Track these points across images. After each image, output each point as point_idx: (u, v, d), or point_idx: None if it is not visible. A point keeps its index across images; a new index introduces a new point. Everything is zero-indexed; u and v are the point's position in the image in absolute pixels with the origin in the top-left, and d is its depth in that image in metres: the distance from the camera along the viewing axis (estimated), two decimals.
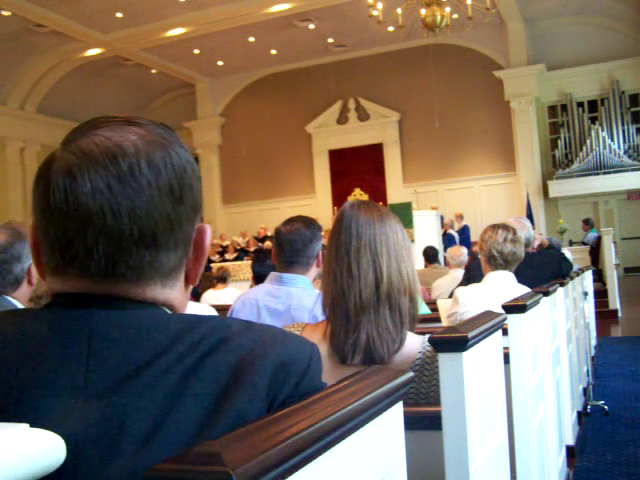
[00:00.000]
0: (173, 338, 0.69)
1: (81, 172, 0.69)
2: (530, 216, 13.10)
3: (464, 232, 13.26)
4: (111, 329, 0.69)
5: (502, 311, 1.91)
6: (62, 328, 0.69)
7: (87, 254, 0.70)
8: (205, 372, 0.68)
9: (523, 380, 2.04)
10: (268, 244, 13.32)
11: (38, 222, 0.73)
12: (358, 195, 16.26)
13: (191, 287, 0.83)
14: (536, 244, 4.12)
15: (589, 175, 14.59)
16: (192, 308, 2.93)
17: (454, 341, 1.27)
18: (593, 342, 6.71)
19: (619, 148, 14.60)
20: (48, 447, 0.57)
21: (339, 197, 16.26)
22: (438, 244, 10.97)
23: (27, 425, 0.56)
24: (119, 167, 0.70)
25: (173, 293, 0.77)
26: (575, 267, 4.83)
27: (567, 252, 5.87)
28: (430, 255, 7.10)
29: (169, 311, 0.76)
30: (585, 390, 4.96)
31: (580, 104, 15.19)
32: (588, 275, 7.12)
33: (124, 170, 0.70)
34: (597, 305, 8.15)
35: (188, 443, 0.63)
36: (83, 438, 0.61)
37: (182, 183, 0.74)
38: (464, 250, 6.27)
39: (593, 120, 14.94)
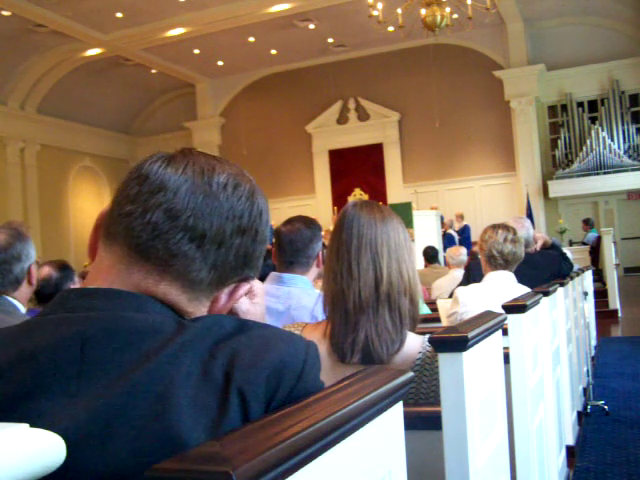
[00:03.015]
0: (164, 340, 0.70)
1: (178, 162, 0.80)
2: (530, 216, 13.08)
3: (465, 232, 13.26)
4: (103, 334, 0.70)
5: (502, 311, 1.91)
6: (57, 336, 0.70)
7: (141, 215, 0.77)
8: (195, 377, 0.68)
9: (523, 380, 2.04)
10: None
11: (120, 188, 0.81)
12: (358, 195, 16.25)
13: None
14: (539, 245, 4.08)
15: (589, 175, 14.58)
16: None
17: (454, 341, 1.27)
18: (593, 342, 6.70)
19: (619, 148, 14.58)
20: (48, 447, 0.57)
21: (339, 197, 16.26)
22: (438, 244, 10.97)
23: (27, 425, 0.56)
24: (211, 178, 0.80)
25: (190, 307, 0.79)
26: (575, 267, 4.82)
27: (567, 252, 5.86)
28: (430, 255, 7.11)
29: (170, 311, 0.77)
30: (585, 390, 4.96)
31: (580, 104, 15.17)
32: (588, 275, 7.12)
33: (214, 181, 0.80)
34: (597, 305, 8.14)
35: (181, 446, 0.63)
36: (73, 440, 0.61)
37: (252, 222, 0.81)
38: (463, 250, 6.28)
39: (593, 120, 14.92)
